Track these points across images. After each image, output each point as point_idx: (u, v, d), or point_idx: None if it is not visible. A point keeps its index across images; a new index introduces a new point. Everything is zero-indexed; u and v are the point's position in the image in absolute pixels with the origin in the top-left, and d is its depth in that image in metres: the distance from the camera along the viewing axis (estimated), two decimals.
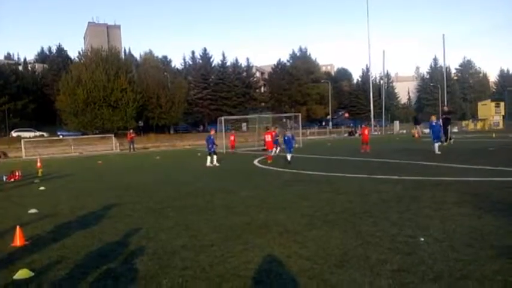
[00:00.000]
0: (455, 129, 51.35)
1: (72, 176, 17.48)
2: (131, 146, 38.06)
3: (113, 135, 45.98)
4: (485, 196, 8.38)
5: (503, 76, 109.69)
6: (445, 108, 29.16)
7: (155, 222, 7.60)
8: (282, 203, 8.82)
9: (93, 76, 56.74)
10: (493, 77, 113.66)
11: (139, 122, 65.57)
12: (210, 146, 18.56)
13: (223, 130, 31.62)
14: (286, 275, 4.54)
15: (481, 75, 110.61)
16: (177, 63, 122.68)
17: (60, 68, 73.91)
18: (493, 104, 58.92)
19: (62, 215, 8.70)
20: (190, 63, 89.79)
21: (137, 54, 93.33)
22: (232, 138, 22.48)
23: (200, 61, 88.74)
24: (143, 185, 13.23)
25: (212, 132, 19.61)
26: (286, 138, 18.97)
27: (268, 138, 22.17)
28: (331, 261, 4.91)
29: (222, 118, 32.83)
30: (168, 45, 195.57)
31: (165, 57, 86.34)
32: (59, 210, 9.22)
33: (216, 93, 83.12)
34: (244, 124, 48.40)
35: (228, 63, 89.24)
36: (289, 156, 18.06)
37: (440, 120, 23.38)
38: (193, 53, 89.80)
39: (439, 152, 18.15)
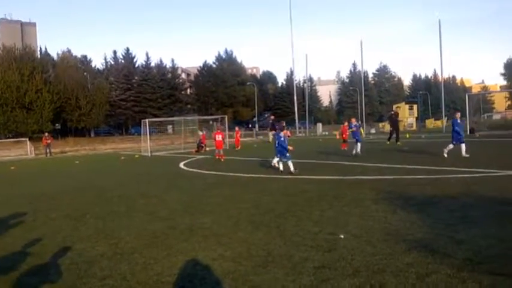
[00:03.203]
0: (373, 131, 54.25)
1: None
2: (47, 151, 35.79)
3: (27, 139, 42.96)
4: (400, 193, 8.92)
5: (416, 80, 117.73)
6: (396, 110, 30.58)
7: (73, 230, 7.20)
8: (207, 206, 8.75)
9: (5, 76, 52.87)
10: (407, 81, 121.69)
11: (57, 124, 62.12)
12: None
13: (148, 133, 30.79)
14: (210, 278, 4.50)
15: (396, 79, 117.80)
16: (97, 63, 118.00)
17: None
18: (407, 106, 62.81)
19: None
20: (112, 63, 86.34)
21: (54, 53, 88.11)
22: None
23: (123, 61, 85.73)
24: (60, 191, 12.49)
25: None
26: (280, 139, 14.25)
27: (219, 137, 21.83)
28: (255, 261, 4.95)
29: (147, 120, 31.97)
30: (87, 44, 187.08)
31: (84, 56, 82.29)
32: None
33: (140, 94, 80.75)
34: (170, 126, 47.54)
35: (153, 64, 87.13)
36: (291, 165, 13.57)
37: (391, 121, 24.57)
38: (115, 52, 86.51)
39: (446, 156, 15.73)
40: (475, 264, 4.43)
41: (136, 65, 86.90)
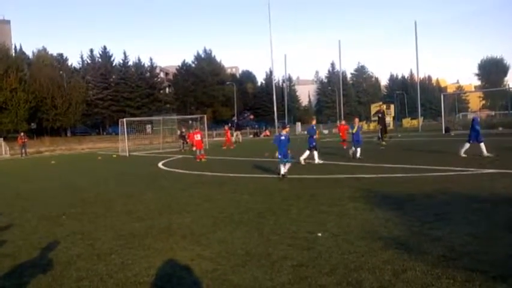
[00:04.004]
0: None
1: None
2: (23, 151, 35.02)
3: (2, 139, 41.94)
4: (376, 191, 9.04)
5: (393, 80, 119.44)
6: (382, 108, 30.14)
7: (48, 231, 7.07)
8: (186, 205, 8.70)
9: None
10: (384, 81, 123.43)
11: (32, 124, 60.86)
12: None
13: (125, 132, 30.42)
14: (188, 278, 4.48)
15: (373, 79, 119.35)
16: (74, 61, 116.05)
17: None
18: (384, 106, 63.76)
19: None
20: (89, 62, 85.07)
21: (29, 51, 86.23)
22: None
23: (100, 60, 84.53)
24: (36, 191, 12.25)
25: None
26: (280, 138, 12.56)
27: (198, 137, 21.53)
28: (234, 261, 4.94)
29: (124, 120, 31.58)
30: (64, 43, 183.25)
31: (60, 55, 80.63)
32: None
33: (117, 93, 79.82)
34: (148, 126, 47.08)
35: (130, 63, 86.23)
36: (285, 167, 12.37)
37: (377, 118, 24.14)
38: (91, 51, 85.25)
39: (465, 155, 14.98)
40: (450, 261, 4.52)
41: (114, 64, 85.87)
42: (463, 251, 4.82)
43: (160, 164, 19.42)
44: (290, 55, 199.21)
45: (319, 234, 5.84)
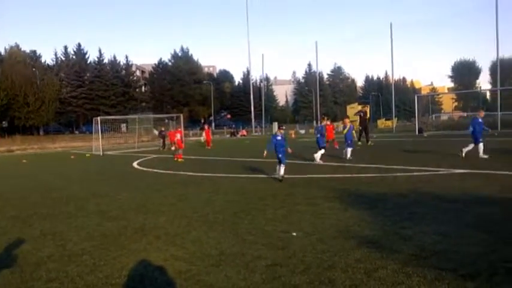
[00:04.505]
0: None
1: None
2: None
3: None
4: (351, 191, 9.15)
5: (368, 81, 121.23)
6: (364, 109, 29.51)
7: (18, 232, 6.90)
8: (161, 205, 8.62)
9: None
10: (359, 82, 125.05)
11: (3, 122, 59.36)
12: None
13: (100, 131, 29.94)
14: (161, 279, 4.45)
15: (349, 80, 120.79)
16: (47, 58, 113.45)
17: None
18: (360, 107, 64.46)
19: None
20: (63, 59, 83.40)
21: (2, 48, 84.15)
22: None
23: (74, 57, 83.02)
24: (6, 191, 11.93)
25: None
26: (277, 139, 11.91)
27: (178, 136, 21.31)
28: (208, 261, 4.93)
29: (98, 118, 31.06)
30: (37, 39, 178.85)
31: (33, 51, 78.79)
32: None
33: (92, 91, 78.55)
34: (123, 125, 46.44)
35: (106, 61, 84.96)
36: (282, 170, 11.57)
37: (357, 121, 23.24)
38: (66, 48, 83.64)
39: (486, 156, 14.39)
40: (420, 260, 4.61)
41: (89, 61, 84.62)
42: (433, 250, 4.92)
43: (135, 164, 19.19)
44: (268, 55, 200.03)
45: (294, 234, 5.88)
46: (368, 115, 28.77)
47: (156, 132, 43.09)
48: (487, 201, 7.47)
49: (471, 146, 14.88)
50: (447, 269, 4.28)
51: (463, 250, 4.87)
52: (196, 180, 12.57)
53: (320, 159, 15.59)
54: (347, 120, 17.54)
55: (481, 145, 14.64)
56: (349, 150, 16.22)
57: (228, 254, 5.13)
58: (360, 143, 24.60)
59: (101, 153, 28.21)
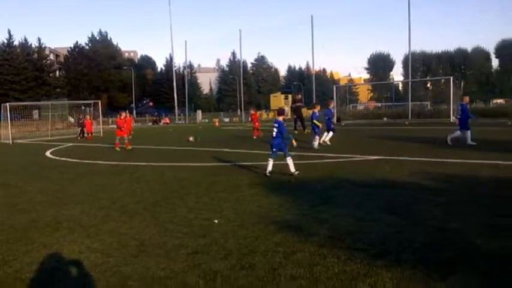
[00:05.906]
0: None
1: None
2: None
3: None
4: (273, 178, 9.35)
5: (291, 71, 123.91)
6: (298, 97, 29.00)
7: None
8: (76, 196, 8.21)
9: None
10: (282, 71, 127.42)
11: None
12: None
13: (9, 118, 27.77)
14: (75, 272, 4.26)
15: (273, 70, 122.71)
16: None
17: None
18: (282, 96, 65.76)
19: None
20: None
21: None
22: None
23: None
24: None
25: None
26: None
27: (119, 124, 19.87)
28: (127, 252, 4.79)
29: (7, 104, 28.76)
30: None
31: None
32: None
33: (0, 76, 72.46)
34: (35, 112, 43.40)
35: (16, 43, 78.76)
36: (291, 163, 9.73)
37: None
38: None
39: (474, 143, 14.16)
40: (335, 241, 4.85)
41: None
42: (347, 232, 5.19)
43: (48, 153, 18.08)
44: (191, 42, 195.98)
45: (216, 221, 5.90)
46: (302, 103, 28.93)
47: (71, 119, 40.83)
48: (396, 186, 8.01)
49: (457, 133, 14.78)
50: (359, 249, 4.54)
51: (374, 231, 5.19)
52: (116, 169, 12.13)
53: (329, 141, 16.19)
54: (317, 107, 16.99)
55: (468, 132, 14.51)
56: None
57: (147, 244, 5.03)
58: (296, 131, 24.34)
59: (11, 142, 26.25)
